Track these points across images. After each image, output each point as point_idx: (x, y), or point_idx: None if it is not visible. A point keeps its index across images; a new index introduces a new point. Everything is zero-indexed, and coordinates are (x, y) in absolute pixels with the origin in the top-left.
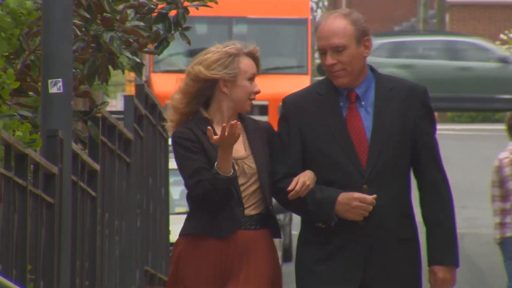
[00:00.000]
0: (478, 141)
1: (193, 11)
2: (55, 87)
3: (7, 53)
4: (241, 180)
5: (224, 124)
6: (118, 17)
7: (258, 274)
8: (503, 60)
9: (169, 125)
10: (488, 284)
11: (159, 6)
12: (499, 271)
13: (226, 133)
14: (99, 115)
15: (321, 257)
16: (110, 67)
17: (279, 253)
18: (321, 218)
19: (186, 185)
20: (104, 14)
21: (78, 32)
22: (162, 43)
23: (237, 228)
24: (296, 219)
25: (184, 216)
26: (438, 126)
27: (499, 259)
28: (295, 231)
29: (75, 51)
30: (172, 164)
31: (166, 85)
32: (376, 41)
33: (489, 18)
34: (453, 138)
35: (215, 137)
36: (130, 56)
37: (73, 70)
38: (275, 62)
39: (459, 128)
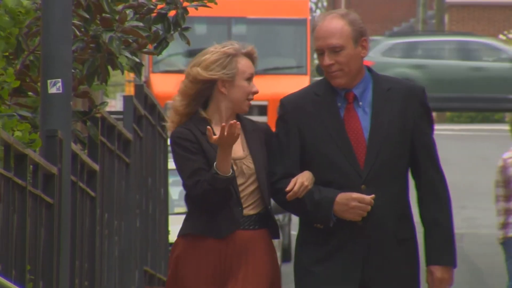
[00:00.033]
0: (477, 141)
1: (192, 12)
2: (55, 87)
3: (7, 53)
4: (239, 180)
5: (223, 124)
6: (117, 17)
7: (257, 274)
8: None
9: (170, 126)
10: (487, 284)
11: (158, 7)
12: (498, 271)
13: (226, 133)
14: (98, 115)
15: (320, 257)
16: (109, 67)
17: (278, 254)
18: (320, 218)
19: (185, 185)
20: (103, 14)
21: (78, 33)
22: (161, 44)
23: (236, 228)
24: (295, 219)
25: (183, 217)
26: (437, 126)
27: (498, 259)
28: (294, 232)
29: (75, 51)
30: (171, 164)
31: (166, 86)
32: (389, 41)
33: (488, 19)
34: (452, 138)
35: (214, 137)
36: (129, 56)
37: (73, 71)
38: (274, 63)
39: (458, 128)
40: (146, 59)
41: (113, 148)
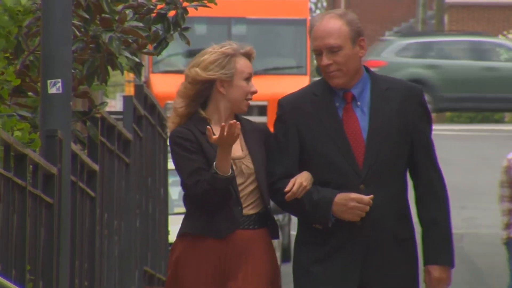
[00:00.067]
0: (477, 141)
1: (192, 12)
2: (54, 87)
3: (8, 55)
4: (238, 180)
5: (223, 124)
6: (117, 17)
7: (257, 274)
8: None
9: (171, 126)
10: (487, 284)
11: (158, 7)
12: (498, 271)
13: (225, 133)
14: (98, 115)
15: (318, 257)
16: (109, 67)
17: (278, 254)
18: (318, 219)
19: (184, 185)
20: (103, 14)
21: (77, 33)
22: (161, 44)
23: (236, 228)
24: (295, 219)
25: (183, 217)
26: (437, 126)
27: (498, 259)
28: (294, 231)
29: (74, 51)
30: (171, 164)
31: (165, 86)
32: (402, 42)
33: (488, 19)
34: (452, 138)
35: (214, 137)
36: (129, 56)
37: (72, 71)
38: (274, 63)
39: (458, 129)
40: (146, 59)
41: (113, 148)
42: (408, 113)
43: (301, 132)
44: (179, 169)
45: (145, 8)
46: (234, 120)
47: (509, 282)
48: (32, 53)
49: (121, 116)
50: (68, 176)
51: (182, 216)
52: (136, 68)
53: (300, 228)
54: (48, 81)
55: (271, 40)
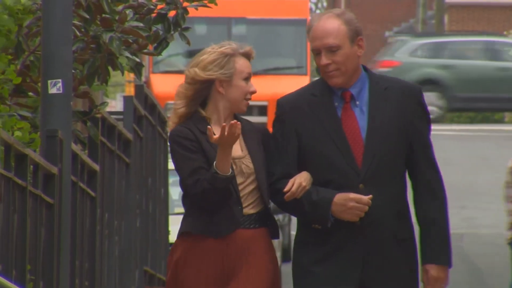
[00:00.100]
0: (477, 141)
1: (192, 12)
2: (55, 87)
3: (9, 57)
4: (238, 180)
5: (224, 124)
6: (117, 17)
7: (259, 274)
8: None
9: (171, 126)
10: (487, 284)
11: (158, 7)
12: (498, 271)
13: (226, 133)
14: (98, 115)
15: (318, 258)
16: (109, 67)
17: (278, 253)
18: (317, 219)
19: (184, 184)
20: (104, 14)
21: (78, 33)
22: (161, 44)
23: (236, 227)
24: (295, 219)
25: (182, 216)
26: (437, 126)
27: (498, 259)
28: (294, 232)
29: (75, 51)
30: (172, 164)
31: (166, 86)
32: (416, 42)
33: (488, 19)
34: (452, 138)
35: (214, 136)
36: (129, 56)
37: (73, 71)
38: (274, 63)
39: (458, 129)
40: (146, 59)
41: (113, 148)
42: (407, 112)
43: (299, 132)
44: (179, 168)
45: (145, 8)
46: (235, 121)
47: (510, 281)
48: (32, 53)
49: (121, 116)
50: (69, 176)
51: (182, 216)
52: (137, 68)
53: (300, 229)
54: (49, 81)
55: (271, 40)
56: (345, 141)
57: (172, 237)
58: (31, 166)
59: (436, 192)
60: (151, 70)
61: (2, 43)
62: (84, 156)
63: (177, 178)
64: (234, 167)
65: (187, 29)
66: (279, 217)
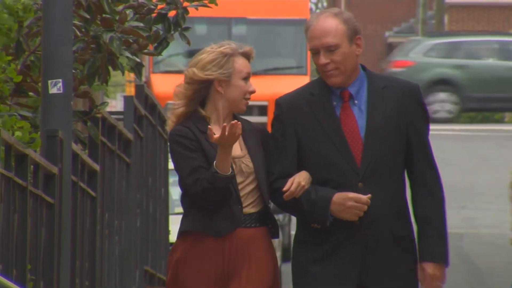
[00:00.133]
0: (477, 141)
1: (192, 12)
2: (55, 87)
3: (10, 57)
4: (238, 179)
5: (224, 124)
6: (117, 17)
7: (260, 274)
8: None
9: (170, 125)
10: (487, 284)
11: (159, 7)
12: (498, 271)
13: (227, 133)
14: (99, 115)
15: (317, 257)
16: (110, 67)
17: (278, 253)
18: (316, 218)
19: (183, 183)
20: (104, 14)
21: (78, 33)
22: (161, 44)
23: (237, 226)
24: (295, 219)
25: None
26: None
27: (498, 259)
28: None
29: (75, 51)
30: (172, 164)
31: (166, 86)
32: (430, 42)
33: (488, 19)
34: (452, 138)
35: (215, 136)
36: (130, 56)
37: (73, 71)
38: (274, 63)
39: (458, 129)
40: (146, 59)
41: (114, 148)
42: (406, 112)
43: (298, 131)
44: (178, 167)
45: (145, 8)
46: (236, 121)
47: None
48: (33, 53)
49: (121, 116)
50: (69, 176)
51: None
52: (137, 68)
53: (299, 228)
54: (49, 81)
55: (272, 40)
56: (344, 140)
57: (172, 237)
58: (32, 166)
59: (434, 191)
60: (151, 70)
61: (3, 41)
62: (85, 156)
63: (177, 178)
64: (234, 166)
65: (187, 29)
66: (279, 217)
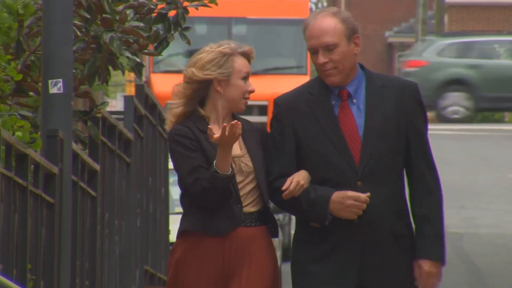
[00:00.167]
0: (477, 141)
1: (192, 12)
2: (56, 87)
3: (9, 56)
4: (238, 178)
5: (225, 124)
6: (117, 17)
7: (259, 272)
8: None
9: (169, 124)
10: (487, 284)
11: (159, 7)
12: (498, 271)
13: (227, 133)
14: (99, 115)
15: (316, 256)
16: (110, 67)
17: (278, 253)
18: (316, 217)
19: (182, 183)
20: (104, 14)
21: (78, 33)
22: (161, 43)
23: (237, 226)
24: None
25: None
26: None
27: (498, 259)
28: None
29: (75, 51)
30: (172, 164)
31: (166, 86)
32: (444, 41)
33: (488, 19)
34: (451, 138)
35: (215, 136)
36: (130, 56)
37: (73, 71)
38: (274, 63)
39: (457, 128)
40: (146, 59)
41: (114, 148)
42: (405, 111)
43: (297, 131)
44: (178, 167)
45: (145, 8)
46: (236, 121)
47: None
48: (33, 53)
49: (122, 116)
50: (69, 175)
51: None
52: (137, 68)
53: (298, 227)
54: (49, 81)
55: (272, 40)
56: (343, 139)
57: (173, 237)
58: (32, 166)
59: (432, 189)
60: (151, 70)
61: (2, 40)
62: (85, 155)
63: (177, 178)
64: (234, 166)
65: (187, 28)
66: (279, 216)
